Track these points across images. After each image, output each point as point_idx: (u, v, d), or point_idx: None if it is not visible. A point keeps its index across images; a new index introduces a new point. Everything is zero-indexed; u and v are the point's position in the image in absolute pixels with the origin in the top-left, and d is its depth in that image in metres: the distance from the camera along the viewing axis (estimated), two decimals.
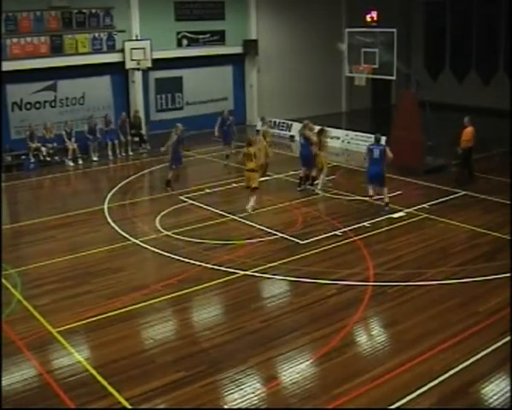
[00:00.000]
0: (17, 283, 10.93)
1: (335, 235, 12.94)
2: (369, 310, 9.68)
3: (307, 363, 8.21)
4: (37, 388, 7.82)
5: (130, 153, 21.59)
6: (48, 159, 20.12)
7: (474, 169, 16.59)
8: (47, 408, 7.43)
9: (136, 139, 21.86)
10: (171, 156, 16.51)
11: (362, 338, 9.03)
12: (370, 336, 9.09)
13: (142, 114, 22.91)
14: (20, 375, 8.06)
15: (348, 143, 21.73)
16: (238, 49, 25.88)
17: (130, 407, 7.35)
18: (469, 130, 16.15)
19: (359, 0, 24.72)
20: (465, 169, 16.53)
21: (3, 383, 7.81)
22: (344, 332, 8.93)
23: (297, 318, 9.50)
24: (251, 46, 25.88)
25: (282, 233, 13.09)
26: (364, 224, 13.52)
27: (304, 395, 7.49)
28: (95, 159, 20.87)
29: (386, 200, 14.52)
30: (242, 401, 7.39)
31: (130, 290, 10.55)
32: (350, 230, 13.19)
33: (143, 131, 22.40)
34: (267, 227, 13.44)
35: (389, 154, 14.31)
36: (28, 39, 20.48)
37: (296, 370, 8.01)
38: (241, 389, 7.63)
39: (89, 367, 8.19)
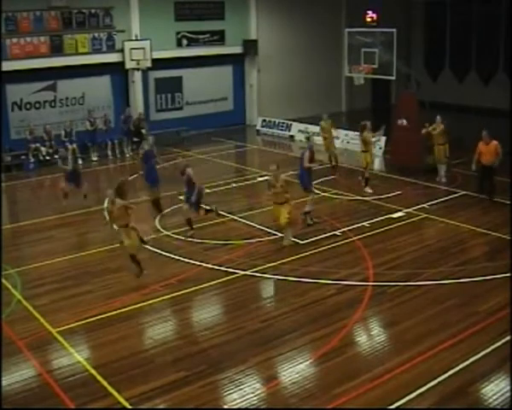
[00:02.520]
0: (17, 283, 10.94)
1: (335, 235, 12.94)
2: (368, 310, 9.68)
3: (307, 363, 8.21)
4: (36, 388, 7.83)
5: (130, 153, 21.63)
6: (48, 158, 20.14)
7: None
8: (47, 408, 7.43)
9: (136, 140, 21.85)
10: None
11: (362, 338, 9.02)
12: (370, 336, 9.09)
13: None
14: (19, 375, 8.07)
15: (348, 143, 21.69)
16: (238, 49, 25.88)
17: (130, 407, 7.35)
18: (496, 143, 15.00)
19: (359, 0, 24.72)
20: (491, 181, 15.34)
21: (3, 383, 7.82)
22: (344, 332, 8.93)
23: (297, 318, 9.50)
24: (251, 46, 25.87)
25: (282, 233, 13.08)
26: (364, 224, 13.52)
27: (303, 395, 7.49)
28: (94, 159, 20.92)
29: (307, 209, 13.39)
30: (242, 401, 7.39)
31: (129, 290, 10.56)
32: (349, 230, 13.19)
33: (144, 131, 22.38)
34: (267, 227, 13.44)
35: (305, 159, 13.23)
36: (28, 39, 20.50)
37: (296, 370, 8.01)
38: (241, 389, 7.63)
39: (89, 367, 8.20)
